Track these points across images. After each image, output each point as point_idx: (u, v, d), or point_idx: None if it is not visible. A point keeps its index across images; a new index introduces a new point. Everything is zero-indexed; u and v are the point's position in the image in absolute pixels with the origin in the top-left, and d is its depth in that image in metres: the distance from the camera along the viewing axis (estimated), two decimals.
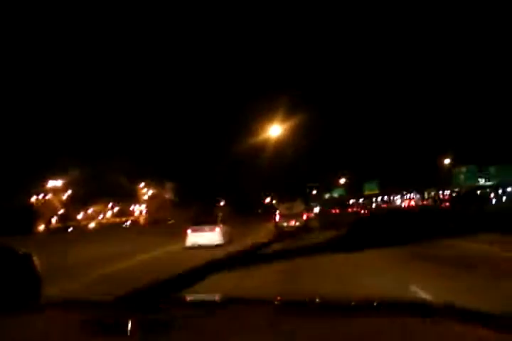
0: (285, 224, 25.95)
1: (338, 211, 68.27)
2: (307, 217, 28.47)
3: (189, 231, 18.09)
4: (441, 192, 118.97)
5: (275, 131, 40.76)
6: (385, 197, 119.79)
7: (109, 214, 57.32)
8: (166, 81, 53.57)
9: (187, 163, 51.43)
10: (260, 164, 50.37)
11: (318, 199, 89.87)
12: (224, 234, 18.35)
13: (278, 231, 25.21)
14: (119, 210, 56.97)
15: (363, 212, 68.40)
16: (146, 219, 57.06)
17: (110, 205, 56.11)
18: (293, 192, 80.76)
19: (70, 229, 42.21)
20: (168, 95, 56.76)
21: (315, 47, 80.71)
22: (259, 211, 70.94)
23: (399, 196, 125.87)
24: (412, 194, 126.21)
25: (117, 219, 55.84)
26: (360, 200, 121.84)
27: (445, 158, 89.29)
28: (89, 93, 52.03)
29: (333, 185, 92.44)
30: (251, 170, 52.87)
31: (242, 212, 57.03)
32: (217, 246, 17.15)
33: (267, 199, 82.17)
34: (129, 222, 54.85)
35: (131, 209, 58.37)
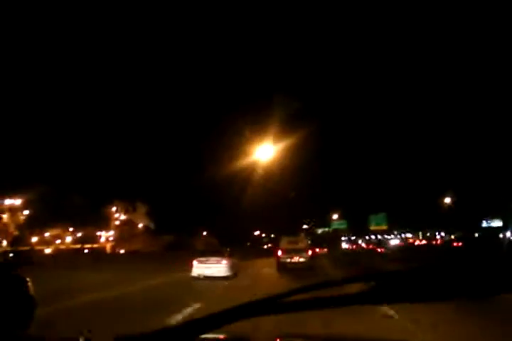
0: (288, 260, 24.46)
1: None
2: (313, 253, 26.44)
3: (195, 262, 18.45)
4: (437, 233, 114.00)
5: (266, 152, 35.29)
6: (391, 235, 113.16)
7: (69, 239, 49.89)
8: (139, 93, 45.89)
9: (164, 185, 45.03)
10: (249, 191, 44.04)
11: (310, 235, 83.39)
12: (231, 267, 18.66)
13: (280, 267, 24.01)
14: (82, 236, 49.75)
15: (379, 250, 62.70)
16: (113, 247, 50.10)
17: (71, 229, 48.83)
18: (285, 225, 74.56)
19: (11, 255, 35.30)
20: (144, 108, 48.86)
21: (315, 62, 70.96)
22: (247, 244, 64.74)
23: (392, 235, 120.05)
24: (408, 234, 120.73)
25: (78, 246, 48.35)
26: (353, 238, 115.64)
27: (445, 197, 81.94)
28: (56, 108, 45.62)
29: (328, 220, 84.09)
30: (238, 198, 46.54)
31: (228, 244, 50.73)
32: (224, 277, 17.70)
33: (256, 232, 75.84)
34: (86, 250, 47.13)
35: (97, 234, 51.07)
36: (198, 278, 17.84)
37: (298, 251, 24.60)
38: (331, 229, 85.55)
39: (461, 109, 76.60)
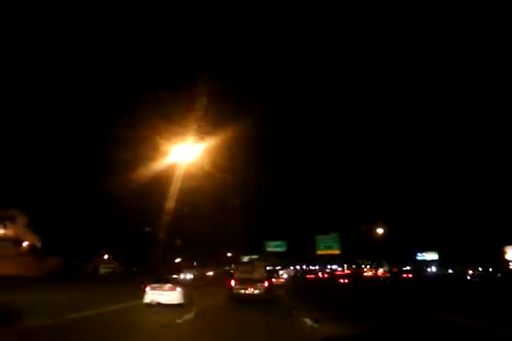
0: (242, 291, 22.80)
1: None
2: (269, 284, 23.90)
3: (148, 288, 18.15)
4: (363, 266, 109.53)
5: (186, 154, 27.12)
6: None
7: None
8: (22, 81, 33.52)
9: (51, 193, 34.36)
10: (165, 205, 34.82)
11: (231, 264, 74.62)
12: (185, 295, 18.52)
13: (233, 298, 22.45)
14: None
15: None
16: None
17: None
18: (207, 251, 65.19)
19: None
20: (28, 93, 35.45)
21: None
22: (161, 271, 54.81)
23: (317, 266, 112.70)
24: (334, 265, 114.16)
25: None
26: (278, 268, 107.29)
27: (378, 228, 75.54)
28: None
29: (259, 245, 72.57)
30: (151, 214, 37.39)
31: (136, 270, 41.29)
32: (177, 305, 17.66)
33: (177, 260, 66.13)
34: None
35: None
36: (150, 305, 17.42)
37: (254, 282, 22.75)
38: (255, 258, 75.42)
39: (388, 136, 72.72)
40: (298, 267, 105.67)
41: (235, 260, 73.40)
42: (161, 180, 29.60)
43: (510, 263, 69.40)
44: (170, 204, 31.26)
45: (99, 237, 39.79)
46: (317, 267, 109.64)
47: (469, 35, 43.33)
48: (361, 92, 59.29)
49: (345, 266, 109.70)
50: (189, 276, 41.29)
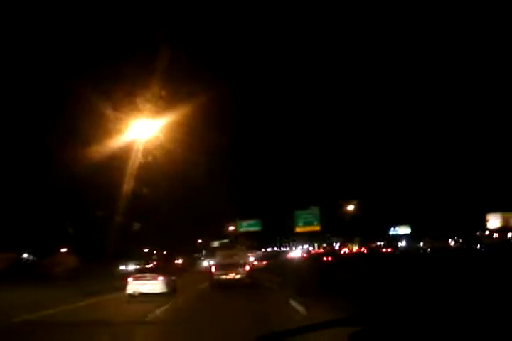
0: (223, 276, 22.40)
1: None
2: (251, 268, 24.24)
3: (131, 279, 18.45)
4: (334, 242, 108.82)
5: (144, 129, 24.42)
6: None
7: None
8: None
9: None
10: (125, 190, 31.28)
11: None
12: (167, 284, 18.73)
13: (214, 284, 22.35)
14: None
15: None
16: None
17: None
18: (178, 239, 61.77)
19: None
20: None
21: None
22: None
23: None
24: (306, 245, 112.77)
25: None
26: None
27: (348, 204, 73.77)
28: None
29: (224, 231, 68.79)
30: (112, 200, 33.90)
31: (99, 263, 37.93)
32: (160, 294, 17.91)
33: (146, 249, 62.82)
34: None
35: None
36: (133, 296, 17.71)
37: (234, 266, 22.47)
38: (225, 241, 71.61)
39: (365, 114, 71.38)
40: (269, 249, 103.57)
41: (207, 246, 70.69)
42: (117, 159, 26.38)
43: (478, 233, 69.30)
44: (128, 185, 28.04)
45: (55, 229, 36.13)
46: (288, 248, 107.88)
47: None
48: (327, 66, 57.62)
49: (316, 244, 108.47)
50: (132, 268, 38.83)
